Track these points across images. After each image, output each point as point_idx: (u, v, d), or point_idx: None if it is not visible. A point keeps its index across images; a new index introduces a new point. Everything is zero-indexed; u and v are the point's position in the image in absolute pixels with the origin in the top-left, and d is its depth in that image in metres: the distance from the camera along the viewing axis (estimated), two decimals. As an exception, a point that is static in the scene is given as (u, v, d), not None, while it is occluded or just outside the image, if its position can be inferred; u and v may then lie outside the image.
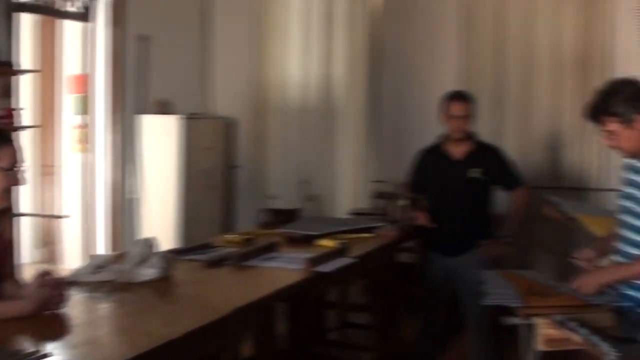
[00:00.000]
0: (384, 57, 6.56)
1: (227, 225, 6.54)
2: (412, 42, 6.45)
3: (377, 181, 6.39)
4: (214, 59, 6.87)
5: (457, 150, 4.32)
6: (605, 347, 1.96)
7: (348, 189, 6.58)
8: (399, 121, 6.50)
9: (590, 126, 5.64)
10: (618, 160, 5.53)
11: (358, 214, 5.84)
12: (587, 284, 2.87)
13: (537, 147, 6.01)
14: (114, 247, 5.56)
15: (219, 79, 6.89)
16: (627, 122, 2.76)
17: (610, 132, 2.82)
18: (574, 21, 5.84)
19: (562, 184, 5.84)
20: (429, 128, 4.93)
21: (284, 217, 4.54)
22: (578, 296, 2.85)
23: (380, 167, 6.54)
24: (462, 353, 4.68)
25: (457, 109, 4.24)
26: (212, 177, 6.46)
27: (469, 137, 4.32)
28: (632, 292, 2.84)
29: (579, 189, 5.82)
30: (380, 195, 6.04)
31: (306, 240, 3.91)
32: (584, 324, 2.31)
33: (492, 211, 4.38)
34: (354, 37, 6.57)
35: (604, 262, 3.05)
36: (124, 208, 5.82)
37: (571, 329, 2.30)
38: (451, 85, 5.35)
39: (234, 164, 6.87)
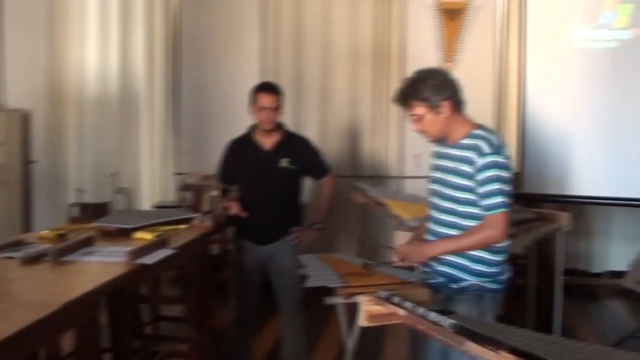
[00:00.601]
0: (183, 47, 6.56)
1: (26, 222, 6.26)
2: (213, 32, 6.51)
3: (180, 174, 6.39)
4: (5, 47, 6.52)
5: (267, 141, 4.42)
6: (434, 317, 2.13)
7: (153, 181, 6.53)
8: (201, 112, 6.53)
9: (387, 117, 6.11)
10: (412, 149, 6.00)
11: (164, 206, 5.83)
12: (415, 253, 3.09)
13: (336, 137, 6.29)
14: None
15: (10, 69, 6.56)
16: (433, 107, 3.00)
17: (418, 117, 3.05)
18: (370, 17, 6.18)
19: (362, 173, 6.16)
20: (232, 119, 5.01)
21: (94, 211, 4.43)
22: (393, 274, 3.06)
23: (183, 159, 6.54)
24: (275, 337, 4.84)
25: (266, 100, 4.32)
26: (6, 172, 6.16)
27: (278, 127, 4.43)
28: (443, 269, 3.09)
29: (378, 177, 6.17)
30: (185, 187, 6.05)
31: (122, 234, 3.86)
32: (406, 298, 2.49)
33: (301, 199, 4.53)
34: (152, 26, 6.51)
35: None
36: None
37: (396, 304, 2.46)
38: (253, 76, 5.47)
39: (29, 158, 6.58)
